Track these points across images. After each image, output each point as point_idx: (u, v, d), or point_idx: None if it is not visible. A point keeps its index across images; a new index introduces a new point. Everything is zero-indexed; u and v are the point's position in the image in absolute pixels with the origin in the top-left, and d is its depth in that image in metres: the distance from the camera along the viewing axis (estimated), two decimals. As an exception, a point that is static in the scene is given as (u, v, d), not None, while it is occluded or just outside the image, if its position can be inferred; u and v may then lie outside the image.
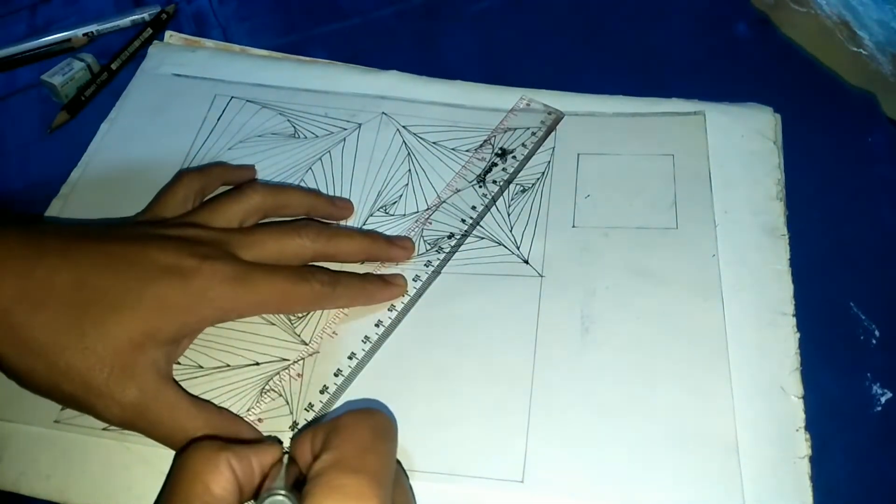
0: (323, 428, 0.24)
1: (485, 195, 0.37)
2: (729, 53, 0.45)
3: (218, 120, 0.42)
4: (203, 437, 0.28)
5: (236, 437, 0.29)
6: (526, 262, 0.35)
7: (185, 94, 0.43)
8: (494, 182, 0.37)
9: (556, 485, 0.28)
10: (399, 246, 0.35)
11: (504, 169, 0.38)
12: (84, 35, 0.50)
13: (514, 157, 0.38)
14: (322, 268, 0.33)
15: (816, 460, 0.28)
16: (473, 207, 0.37)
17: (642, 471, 0.28)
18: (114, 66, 0.47)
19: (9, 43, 0.50)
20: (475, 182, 0.37)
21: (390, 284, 0.34)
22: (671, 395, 0.30)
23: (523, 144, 0.39)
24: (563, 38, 0.47)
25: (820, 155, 0.39)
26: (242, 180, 0.38)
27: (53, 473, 0.30)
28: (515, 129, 0.40)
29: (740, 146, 0.37)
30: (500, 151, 0.38)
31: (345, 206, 0.37)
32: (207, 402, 0.30)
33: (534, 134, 0.39)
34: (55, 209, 0.39)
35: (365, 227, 0.37)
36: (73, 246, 0.28)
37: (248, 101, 0.42)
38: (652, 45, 0.45)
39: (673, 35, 0.46)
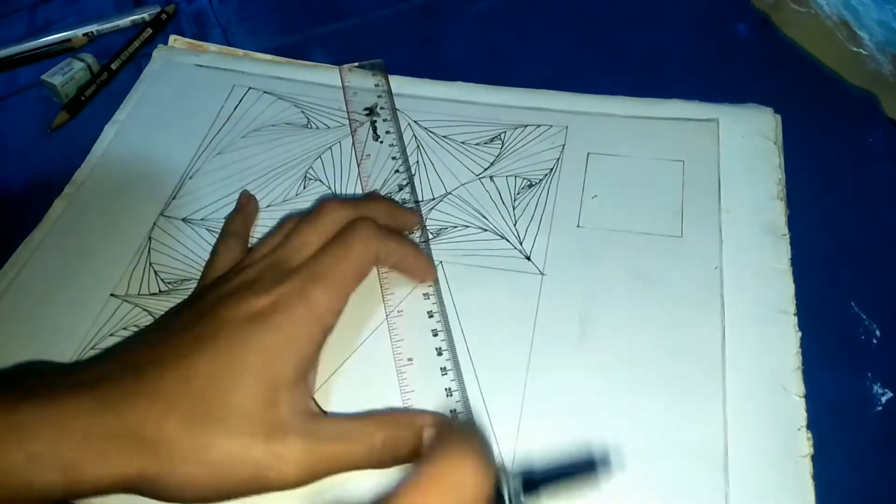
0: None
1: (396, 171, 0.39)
2: (729, 53, 0.45)
3: (234, 109, 0.43)
4: None
5: (416, 427, 0.27)
6: (528, 258, 0.35)
7: (205, 84, 0.44)
8: (388, 133, 0.40)
9: None
10: (411, 213, 0.36)
11: (385, 120, 0.41)
12: (84, 35, 0.50)
13: (381, 108, 0.41)
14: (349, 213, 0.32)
15: (817, 459, 0.28)
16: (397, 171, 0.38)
17: (629, 480, 0.28)
18: (114, 66, 0.47)
19: (9, 43, 0.50)
20: (371, 140, 0.40)
21: (427, 258, 0.34)
22: (663, 406, 0.30)
23: (378, 96, 0.42)
24: (563, 37, 0.47)
25: (820, 155, 0.39)
26: (254, 210, 0.38)
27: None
28: (358, 90, 0.42)
29: (741, 146, 0.38)
30: (367, 111, 0.41)
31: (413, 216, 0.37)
32: (368, 413, 0.29)
33: (377, 85, 0.42)
34: (59, 208, 0.39)
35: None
36: (163, 346, 0.27)
37: (265, 92, 0.43)
38: (652, 44, 0.45)
39: (673, 35, 0.46)
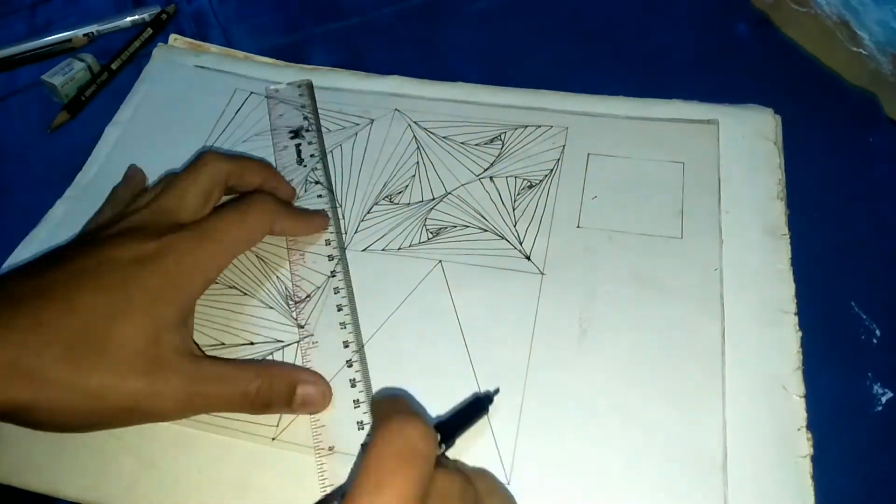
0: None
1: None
2: (729, 53, 0.45)
3: (236, 114, 0.42)
4: (390, 408, 0.27)
5: (294, 382, 0.30)
6: (527, 258, 0.35)
7: (206, 87, 0.44)
8: (312, 156, 0.40)
9: (541, 488, 0.28)
10: (287, 185, 0.38)
11: (310, 143, 0.40)
12: (84, 35, 0.50)
13: (307, 131, 0.40)
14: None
15: (817, 460, 0.28)
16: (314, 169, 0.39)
17: (627, 480, 0.28)
18: (114, 66, 0.48)
19: (9, 43, 0.50)
20: (295, 163, 0.39)
21: (317, 214, 0.37)
22: (663, 407, 0.30)
23: (304, 118, 0.41)
24: (563, 37, 0.47)
25: (820, 155, 0.39)
26: (141, 181, 0.39)
27: (46, 466, 0.30)
28: (284, 114, 0.42)
29: (741, 147, 0.37)
30: (292, 134, 0.41)
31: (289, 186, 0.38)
32: (248, 361, 0.32)
33: (303, 106, 0.42)
34: (59, 211, 0.39)
35: (369, 215, 0.37)
36: (45, 279, 0.28)
37: (266, 97, 0.43)
38: (652, 45, 0.45)
39: (673, 35, 0.46)
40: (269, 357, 0.33)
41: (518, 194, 0.37)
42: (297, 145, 0.40)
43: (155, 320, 0.28)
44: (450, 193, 0.38)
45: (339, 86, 0.43)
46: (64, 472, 0.30)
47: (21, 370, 0.25)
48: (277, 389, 0.29)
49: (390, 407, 0.27)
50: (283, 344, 0.33)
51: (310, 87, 0.43)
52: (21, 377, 0.25)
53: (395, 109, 0.42)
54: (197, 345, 0.31)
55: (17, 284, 0.28)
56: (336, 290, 0.34)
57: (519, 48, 0.46)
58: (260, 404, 0.29)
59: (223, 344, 0.33)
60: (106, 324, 0.27)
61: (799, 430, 0.29)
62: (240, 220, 0.32)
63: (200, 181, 0.33)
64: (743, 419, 0.29)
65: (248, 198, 0.33)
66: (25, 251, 0.37)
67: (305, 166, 0.39)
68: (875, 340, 0.33)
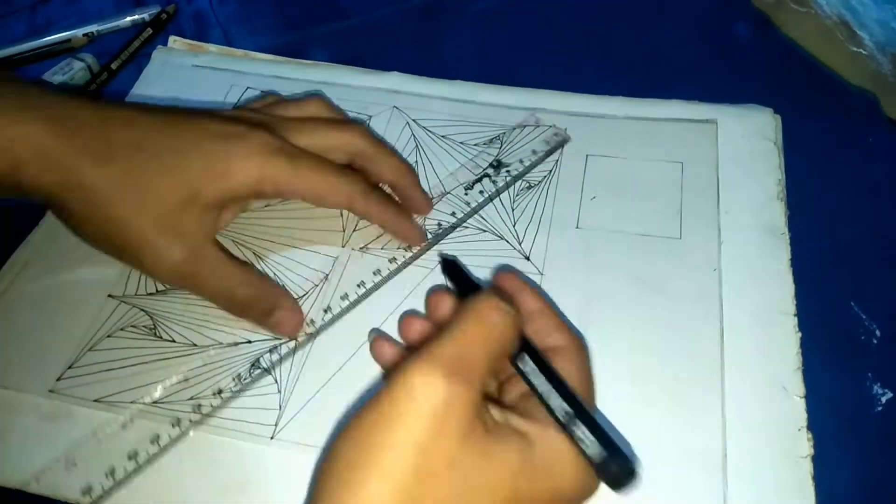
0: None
1: (467, 203, 0.37)
2: (729, 54, 0.45)
3: (233, 108, 0.42)
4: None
5: (275, 305, 0.32)
6: (527, 258, 0.35)
7: (203, 84, 0.44)
8: (481, 192, 0.37)
9: None
10: (424, 195, 0.36)
11: (494, 181, 0.37)
12: (84, 35, 0.50)
13: (507, 172, 0.38)
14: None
15: (817, 460, 0.28)
16: (468, 203, 0.37)
17: None
18: (114, 66, 0.47)
19: (9, 43, 0.50)
20: (465, 185, 0.38)
21: (415, 225, 0.35)
22: (662, 407, 0.30)
23: (520, 161, 0.38)
24: (563, 38, 0.47)
25: (820, 155, 0.39)
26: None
27: (46, 467, 0.30)
28: (519, 144, 0.39)
29: (741, 147, 0.37)
30: (495, 163, 0.38)
31: (426, 200, 0.36)
32: (251, 265, 0.34)
33: (534, 152, 0.38)
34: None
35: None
36: (137, 114, 0.31)
37: (263, 91, 0.43)
38: (652, 45, 0.45)
39: (673, 35, 0.46)
40: (266, 355, 0.33)
41: (517, 195, 0.37)
42: (483, 175, 0.37)
43: (194, 192, 0.29)
44: (448, 193, 0.38)
45: (338, 81, 0.43)
46: (64, 473, 0.30)
47: (73, 173, 0.29)
48: (259, 304, 0.32)
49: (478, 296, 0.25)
50: (281, 341, 0.33)
51: (561, 144, 0.39)
52: (71, 179, 0.29)
53: (394, 107, 0.42)
54: (222, 246, 0.32)
55: (121, 107, 0.32)
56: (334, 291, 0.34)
57: (519, 48, 0.46)
58: (238, 310, 0.32)
59: (220, 343, 0.33)
60: (157, 173, 0.29)
61: (799, 430, 0.29)
62: (328, 179, 0.32)
63: (334, 140, 0.33)
64: (743, 420, 0.29)
65: (348, 172, 0.33)
66: (25, 251, 0.37)
67: (467, 195, 0.37)
68: (875, 341, 0.33)
